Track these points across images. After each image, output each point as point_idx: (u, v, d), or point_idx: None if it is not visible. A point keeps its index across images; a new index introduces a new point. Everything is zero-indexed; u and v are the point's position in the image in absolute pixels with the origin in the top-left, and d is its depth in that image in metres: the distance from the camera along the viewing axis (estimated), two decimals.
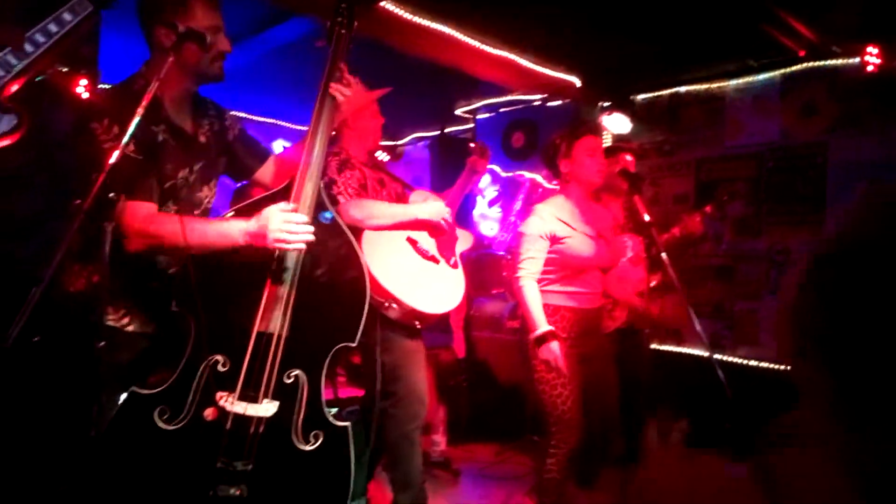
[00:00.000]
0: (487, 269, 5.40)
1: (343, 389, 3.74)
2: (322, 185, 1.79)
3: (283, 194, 1.74)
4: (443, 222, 2.51)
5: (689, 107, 4.64)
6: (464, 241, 2.74)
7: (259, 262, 1.68)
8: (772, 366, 4.11)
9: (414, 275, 2.47)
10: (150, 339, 1.80)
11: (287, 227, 1.63)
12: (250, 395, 1.62)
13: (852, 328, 0.65)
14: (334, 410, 1.85)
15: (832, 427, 0.67)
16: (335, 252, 1.82)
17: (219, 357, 1.64)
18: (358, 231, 2.33)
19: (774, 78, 4.20)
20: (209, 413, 1.62)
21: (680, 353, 4.41)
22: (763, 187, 4.25)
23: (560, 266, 2.56)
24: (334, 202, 2.33)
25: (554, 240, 2.53)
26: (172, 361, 1.66)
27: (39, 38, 2.08)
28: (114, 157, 1.40)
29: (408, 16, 3.52)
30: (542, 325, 2.47)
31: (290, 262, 1.68)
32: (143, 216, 1.65)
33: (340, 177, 2.43)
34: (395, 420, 2.47)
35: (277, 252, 1.65)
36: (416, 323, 2.50)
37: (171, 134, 1.75)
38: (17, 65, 2.05)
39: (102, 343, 1.38)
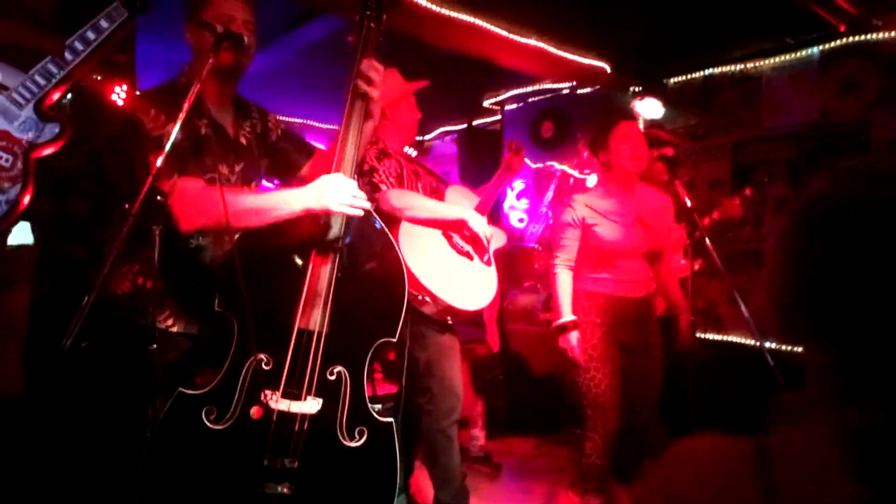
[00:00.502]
0: (519, 262, 5.37)
1: (380, 386, 3.75)
2: (361, 173, 1.79)
3: None
4: (485, 240, 2.46)
5: (723, 88, 4.53)
6: (497, 240, 2.71)
7: (298, 258, 1.69)
8: None
9: (448, 270, 2.46)
10: (194, 340, 1.82)
11: (348, 194, 1.64)
12: (293, 393, 1.63)
13: (859, 299, 0.63)
14: (378, 406, 1.85)
15: (836, 402, 0.66)
16: (373, 247, 1.82)
17: (262, 355, 1.65)
18: (394, 222, 2.33)
19: (812, 55, 4.06)
20: (255, 411, 1.63)
21: (723, 342, 4.32)
22: (804, 169, 4.12)
23: (592, 253, 2.57)
24: (376, 189, 2.34)
25: (584, 227, 2.54)
26: (217, 361, 1.67)
27: (78, 45, 2.13)
28: (166, 143, 1.41)
29: (435, 7, 3.49)
30: (566, 315, 2.50)
31: (330, 257, 1.68)
32: (196, 190, 1.66)
33: (381, 165, 2.43)
34: (430, 416, 2.47)
35: (316, 249, 1.65)
36: (449, 319, 2.49)
37: (212, 129, 1.77)
38: (57, 73, 2.10)
39: (154, 346, 1.39)
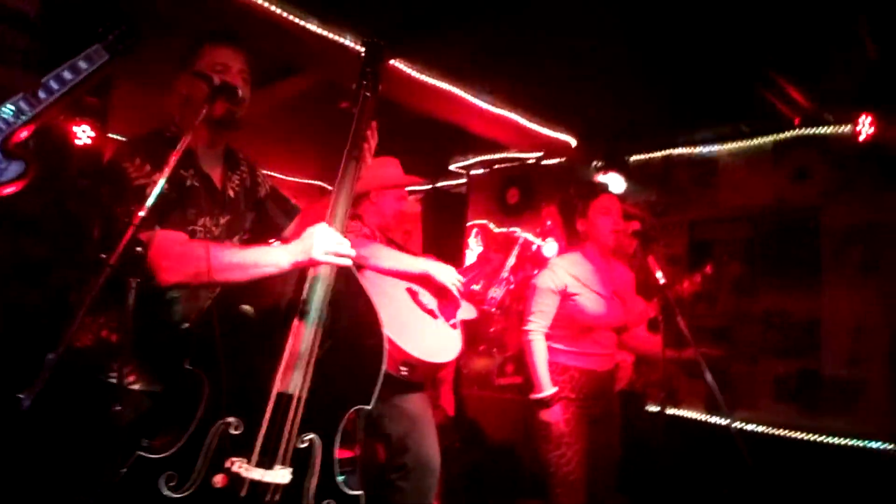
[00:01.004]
0: (475, 325, 5.34)
1: (341, 451, 3.59)
2: None
3: None
4: (453, 288, 2.44)
5: (682, 168, 4.74)
6: (467, 311, 2.67)
7: (279, 318, 1.61)
8: (772, 431, 4.06)
9: (409, 321, 2.38)
10: (153, 399, 1.70)
11: (333, 243, 1.60)
12: (266, 461, 1.52)
13: None
14: (342, 478, 1.75)
15: None
16: (353, 307, 1.77)
17: (231, 419, 1.55)
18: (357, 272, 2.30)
19: (766, 143, 4.32)
20: (219, 480, 1.52)
21: (679, 417, 4.35)
22: (758, 250, 4.29)
23: (570, 323, 2.53)
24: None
25: (564, 295, 2.52)
26: (181, 423, 1.56)
27: (53, 84, 2.05)
28: (149, 193, 1.36)
29: (415, 74, 3.56)
30: (547, 388, 2.43)
31: (314, 317, 1.61)
32: (177, 242, 1.60)
33: (350, 222, 2.42)
34: (404, 494, 2.34)
35: (301, 306, 1.59)
36: (403, 370, 2.35)
37: (199, 180, 1.73)
38: (28, 111, 2.01)
39: (119, 407, 1.29)
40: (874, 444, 3.65)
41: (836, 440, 3.78)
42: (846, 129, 3.78)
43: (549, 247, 5.00)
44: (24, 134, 2.04)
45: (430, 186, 6.25)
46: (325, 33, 3.12)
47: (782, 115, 3.76)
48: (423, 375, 2.47)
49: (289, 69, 3.70)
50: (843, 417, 3.84)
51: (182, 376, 1.59)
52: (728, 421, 2.25)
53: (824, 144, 4.03)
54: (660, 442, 2.70)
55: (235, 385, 1.56)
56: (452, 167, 5.77)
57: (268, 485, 1.51)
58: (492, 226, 5.55)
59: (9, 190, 1.99)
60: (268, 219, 1.95)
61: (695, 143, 4.62)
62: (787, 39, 3.07)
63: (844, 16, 2.82)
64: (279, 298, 1.65)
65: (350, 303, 1.76)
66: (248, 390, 1.56)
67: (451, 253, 2.74)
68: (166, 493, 1.49)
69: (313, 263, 1.60)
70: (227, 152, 1.86)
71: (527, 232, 5.36)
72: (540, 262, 3.02)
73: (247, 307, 1.62)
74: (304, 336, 1.58)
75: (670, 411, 4.29)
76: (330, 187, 1.77)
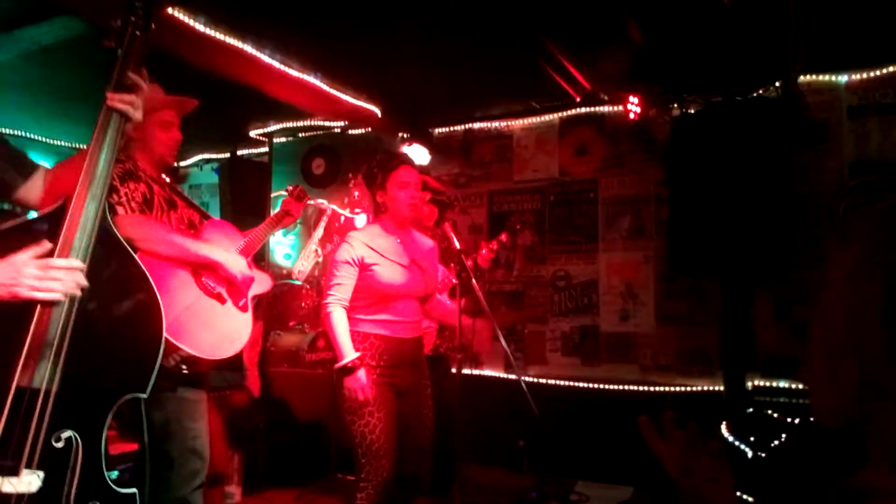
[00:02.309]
0: (285, 300, 5.15)
1: (116, 445, 3.24)
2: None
3: (52, 220, 1.43)
4: (238, 278, 2.28)
5: (481, 142, 4.95)
6: (260, 285, 2.50)
7: (17, 301, 1.35)
8: (560, 383, 4.47)
9: (192, 312, 2.16)
10: None
11: (45, 281, 1.31)
12: (7, 467, 1.28)
13: None
14: (115, 474, 1.56)
15: None
16: (126, 286, 1.55)
17: None
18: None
19: (554, 120, 4.66)
20: None
21: (482, 376, 4.61)
22: (546, 219, 4.66)
23: (370, 293, 2.51)
24: (113, 212, 2.01)
25: (363, 266, 2.49)
26: None
27: None
28: None
29: (201, 27, 3.24)
30: (349, 354, 2.40)
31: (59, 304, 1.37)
32: None
33: (123, 187, 2.11)
34: (169, 484, 2.15)
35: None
36: (184, 368, 2.15)
37: None
38: None
39: None
40: (645, 388, 4.18)
41: (614, 387, 4.27)
42: (619, 108, 4.21)
43: (361, 219, 4.96)
44: None
45: (227, 155, 5.85)
46: None
47: (567, 93, 4.07)
48: (204, 370, 2.28)
49: (44, 8, 3.16)
50: (620, 366, 4.35)
51: None
52: (516, 376, 2.37)
53: (601, 122, 4.47)
54: (458, 402, 2.80)
55: None
56: (252, 134, 5.43)
57: (9, 496, 1.27)
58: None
59: None
60: None
61: (492, 118, 4.85)
62: (568, 20, 3.30)
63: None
64: None
65: (117, 273, 1.54)
66: None
67: (253, 223, 2.56)
68: None
69: (19, 298, 1.31)
70: None
71: (334, 204, 5.27)
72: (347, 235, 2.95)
73: None
74: (51, 318, 1.34)
75: (473, 371, 4.53)
76: None
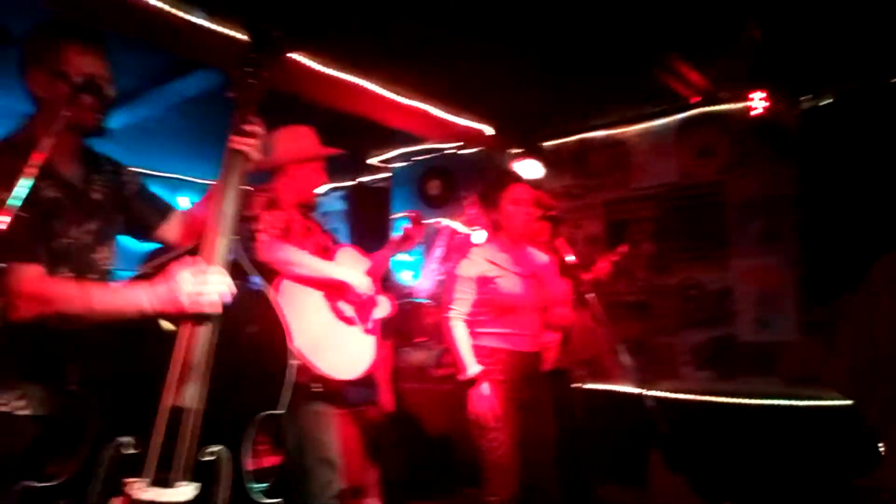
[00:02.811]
0: (410, 318, 5.31)
1: (267, 459, 3.49)
2: (243, 219, 1.67)
3: (192, 254, 1.61)
4: (364, 297, 2.44)
5: (595, 152, 4.85)
6: (383, 307, 2.65)
7: (168, 326, 1.53)
8: (696, 398, 4.22)
9: (324, 334, 2.35)
10: (45, 423, 1.59)
11: (202, 287, 1.48)
12: (163, 480, 1.45)
13: None
14: (262, 486, 1.70)
15: None
16: (255, 312, 1.70)
17: (126, 439, 1.47)
18: (274, 277, 2.23)
19: (670, 123, 4.48)
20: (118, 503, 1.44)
21: (606, 391, 4.47)
22: (667, 226, 4.45)
23: (491, 306, 2.56)
24: (253, 238, 2.22)
25: (484, 280, 2.55)
26: (72, 448, 1.47)
27: None
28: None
29: (319, 67, 3.49)
30: (472, 367, 2.44)
31: (207, 325, 1.54)
32: (31, 278, 1.47)
33: (265, 214, 2.33)
34: (306, 495, 2.30)
35: (193, 314, 1.51)
36: (316, 386, 2.34)
37: (60, 189, 1.59)
38: None
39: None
40: (787, 402, 3.86)
41: (753, 401, 3.97)
42: (742, 105, 3.96)
43: (479, 235, 5.04)
44: None
45: (352, 182, 6.18)
46: (217, 28, 3.01)
47: (682, 95, 3.90)
48: (335, 389, 2.44)
49: (184, 67, 3.55)
50: (758, 379, 4.04)
51: (68, 397, 1.50)
52: (640, 391, 2.30)
53: (723, 122, 4.22)
54: (581, 417, 2.76)
55: (127, 402, 1.48)
56: (373, 161, 5.70)
57: None
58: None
59: None
60: (138, 219, 1.81)
61: (605, 127, 4.74)
62: (683, 23, 3.18)
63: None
64: None
65: (246, 301, 1.69)
66: (141, 406, 1.48)
67: (375, 247, 2.75)
68: None
69: (183, 312, 1.48)
70: (85, 154, 1.71)
71: (451, 222, 5.39)
72: (468, 251, 3.02)
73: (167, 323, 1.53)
74: (196, 344, 1.51)
75: (596, 386, 4.40)
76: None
